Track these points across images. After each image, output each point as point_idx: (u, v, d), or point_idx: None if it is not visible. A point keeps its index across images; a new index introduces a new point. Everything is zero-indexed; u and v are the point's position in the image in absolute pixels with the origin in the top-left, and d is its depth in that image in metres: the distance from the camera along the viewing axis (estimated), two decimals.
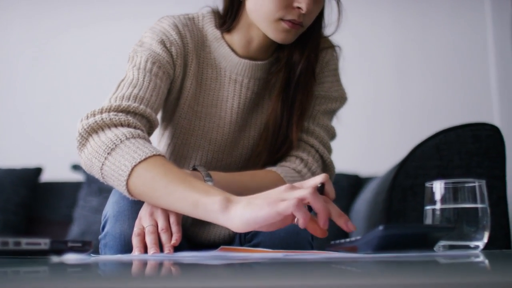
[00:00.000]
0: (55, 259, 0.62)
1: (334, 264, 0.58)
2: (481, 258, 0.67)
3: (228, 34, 1.04)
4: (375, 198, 1.38)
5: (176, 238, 0.80)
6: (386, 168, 1.48)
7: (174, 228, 0.81)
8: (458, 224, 0.78)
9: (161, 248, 0.80)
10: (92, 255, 0.75)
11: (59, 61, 2.41)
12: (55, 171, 2.15)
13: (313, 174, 1.01)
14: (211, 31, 1.04)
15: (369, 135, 2.28)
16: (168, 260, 0.68)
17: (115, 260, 0.71)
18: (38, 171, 2.14)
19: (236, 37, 1.03)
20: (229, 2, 1.01)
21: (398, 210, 1.18)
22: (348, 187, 1.94)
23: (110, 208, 0.88)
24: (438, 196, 0.81)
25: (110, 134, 0.83)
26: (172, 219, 0.82)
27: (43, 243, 0.64)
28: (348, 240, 0.71)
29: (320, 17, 1.03)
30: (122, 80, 0.95)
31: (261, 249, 0.83)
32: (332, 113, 1.10)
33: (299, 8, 0.93)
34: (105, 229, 0.87)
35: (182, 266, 0.58)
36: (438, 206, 0.80)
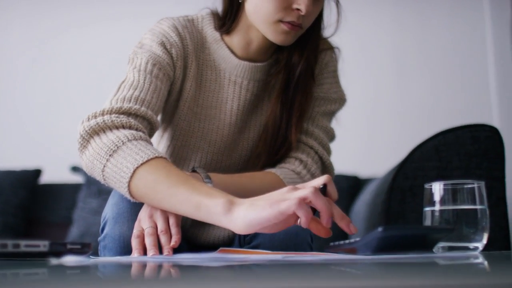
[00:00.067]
0: (54, 261, 0.61)
1: (333, 265, 0.58)
2: (480, 259, 0.67)
3: (227, 36, 1.04)
4: (374, 200, 1.38)
5: (175, 240, 0.80)
6: (385, 170, 1.48)
7: (174, 230, 0.81)
8: (457, 226, 0.78)
9: (160, 250, 0.80)
10: (91, 257, 0.75)
11: (58, 62, 2.41)
12: (55, 173, 2.15)
13: (312, 175, 1.01)
14: (211, 32, 1.04)
15: (368, 137, 2.28)
16: (167, 262, 0.68)
17: (114, 262, 0.71)
18: (37, 172, 2.13)
19: (236, 39, 1.03)
20: (229, 4, 1.01)
21: (397, 211, 1.18)
22: (347, 189, 1.94)
23: (109, 210, 0.88)
24: (437, 197, 0.81)
25: (112, 136, 0.83)
26: (172, 221, 0.82)
27: (42, 245, 0.64)
28: (347, 241, 0.71)
29: (319, 18, 1.04)
30: (123, 82, 0.95)
31: (260, 251, 0.83)
32: (331, 114, 1.10)
33: (298, 9, 0.93)
34: (105, 231, 0.87)
35: (181, 268, 0.58)
36: (437, 207, 0.81)
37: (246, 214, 0.71)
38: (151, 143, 0.86)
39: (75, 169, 2.07)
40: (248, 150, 1.08)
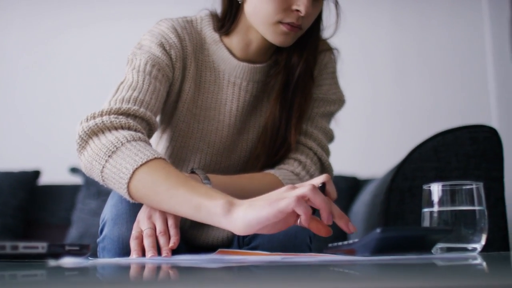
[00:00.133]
0: (52, 262, 0.61)
1: (331, 267, 0.58)
2: (479, 260, 0.67)
3: (226, 37, 1.04)
4: (373, 200, 1.38)
5: (174, 241, 0.80)
6: (384, 170, 1.49)
7: (172, 231, 0.81)
8: (456, 227, 0.78)
9: (159, 251, 0.79)
10: (90, 258, 0.75)
11: (58, 62, 2.41)
12: (53, 174, 2.15)
13: (311, 176, 1.01)
14: (210, 34, 1.04)
15: (367, 137, 2.28)
16: (165, 263, 0.68)
17: (113, 263, 0.71)
18: (36, 174, 2.13)
19: (235, 40, 1.03)
20: (228, 5, 1.01)
21: (396, 212, 1.18)
22: (346, 189, 1.94)
23: (108, 211, 0.88)
24: (435, 198, 0.81)
25: (111, 137, 0.83)
26: (170, 222, 0.82)
27: (41, 246, 0.64)
28: (346, 243, 0.71)
29: (318, 19, 1.04)
30: (122, 83, 0.95)
31: (259, 252, 0.83)
32: (330, 115, 1.10)
33: (297, 11, 0.93)
34: (103, 232, 0.87)
35: (180, 270, 0.58)
36: (435, 208, 0.81)
37: (245, 214, 0.71)
38: (150, 144, 0.86)
39: (74, 170, 2.06)
40: (247, 151, 1.08)
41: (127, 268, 0.63)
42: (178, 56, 1.00)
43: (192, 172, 0.91)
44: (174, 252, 0.80)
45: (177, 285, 0.43)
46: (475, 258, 0.70)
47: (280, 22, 0.94)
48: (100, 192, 1.91)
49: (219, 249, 0.84)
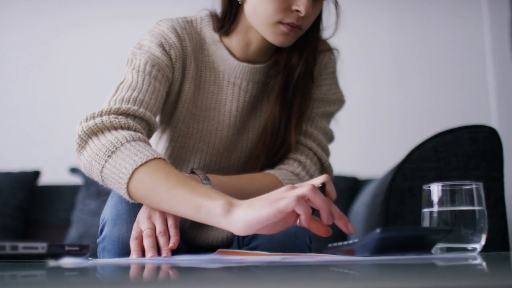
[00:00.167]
0: (52, 263, 0.61)
1: (331, 267, 0.58)
2: (479, 260, 0.67)
3: (226, 37, 1.04)
4: (373, 201, 1.38)
5: (174, 241, 0.80)
6: (384, 170, 1.49)
7: (172, 231, 0.81)
8: (456, 227, 0.78)
9: (159, 251, 0.79)
10: (90, 258, 0.75)
11: (58, 63, 2.41)
12: (53, 174, 2.15)
13: (311, 177, 1.01)
14: (210, 34, 1.04)
15: (367, 137, 2.28)
16: (165, 263, 0.68)
17: (113, 263, 0.71)
18: (36, 174, 2.13)
19: (235, 40, 1.03)
20: (228, 5, 1.01)
21: (396, 212, 1.18)
22: (346, 190, 1.94)
23: (108, 212, 0.88)
24: (435, 198, 0.81)
25: (111, 137, 0.83)
26: (170, 222, 0.82)
27: (40, 247, 0.64)
28: (345, 243, 0.71)
29: (318, 20, 1.04)
30: (121, 83, 0.95)
31: (258, 252, 0.83)
32: (330, 115, 1.10)
33: (297, 11, 0.93)
34: (103, 233, 0.87)
35: (180, 270, 0.58)
36: (435, 208, 0.81)
37: (245, 214, 0.71)
38: (149, 144, 0.86)
39: (74, 170, 2.06)
40: (247, 151, 1.08)
41: (127, 268, 0.63)
42: (178, 56, 1.00)
43: (192, 172, 0.91)
44: (174, 252, 0.80)
45: (177, 285, 0.43)
46: (475, 258, 0.70)
47: (280, 22, 0.94)
48: (100, 193, 1.91)
49: (219, 249, 0.84)
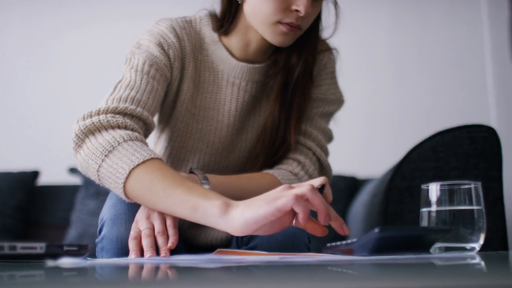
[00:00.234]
0: (50, 263, 0.61)
1: (330, 266, 0.58)
2: (477, 260, 0.67)
3: (225, 37, 1.04)
4: (372, 200, 1.38)
5: (172, 241, 0.80)
6: (383, 170, 1.49)
7: (171, 231, 0.81)
8: (454, 226, 0.78)
9: (157, 251, 0.79)
10: (89, 258, 0.75)
11: (57, 63, 2.40)
12: (52, 174, 2.15)
13: (310, 176, 1.01)
14: (209, 34, 1.04)
15: (366, 137, 2.28)
16: (164, 263, 0.68)
17: (111, 263, 0.71)
18: (35, 174, 2.13)
19: (234, 40, 1.03)
20: (227, 5, 1.01)
21: (394, 212, 1.18)
22: (345, 189, 1.94)
23: (107, 212, 0.88)
24: (434, 198, 0.81)
25: (108, 136, 0.83)
26: (169, 222, 0.82)
27: (39, 247, 0.64)
28: (344, 242, 0.71)
29: (317, 20, 1.04)
30: (119, 82, 0.95)
31: (257, 252, 0.83)
32: (329, 115, 1.10)
33: (297, 11, 0.93)
34: (102, 233, 0.87)
35: (178, 270, 0.58)
36: (434, 208, 0.81)
37: (242, 214, 0.71)
38: (146, 144, 0.86)
39: (73, 170, 2.06)
40: (246, 151, 1.08)
41: (125, 268, 0.63)
42: (177, 56, 1.00)
43: (191, 172, 0.91)
44: (173, 252, 0.80)
45: (175, 285, 0.43)
46: (473, 258, 0.70)
47: (279, 22, 0.94)
48: (99, 193, 1.91)
49: (218, 249, 0.84)
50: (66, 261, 0.63)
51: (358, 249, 0.68)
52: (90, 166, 0.82)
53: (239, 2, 0.99)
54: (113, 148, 0.81)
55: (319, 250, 0.80)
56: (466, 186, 0.80)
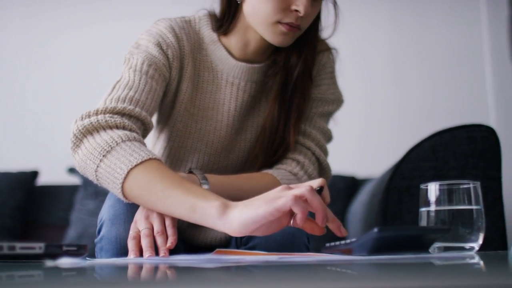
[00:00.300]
0: (49, 263, 0.61)
1: (329, 266, 0.58)
2: (476, 259, 0.67)
3: (225, 37, 1.04)
4: (371, 200, 1.38)
5: (171, 241, 0.80)
6: (382, 170, 1.49)
7: (170, 231, 0.81)
8: (453, 226, 0.78)
9: (156, 251, 0.79)
10: (88, 258, 0.75)
11: (57, 63, 2.40)
12: (52, 174, 2.15)
13: (310, 176, 1.01)
14: (208, 34, 1.04)
15: (365, 137, 2.28)
16: (163, 263, 0.68)
17: (110, 263, 0.71)
18: (34, 174, 2.13)
19: (233, 40, 1.03)
20: (226, 5, 1.01)
21: (394, 211, 1.18)
22: (344, 189, 1.94)
23: (106, 212, 0.88)
24: (432, 198, 0.81)
25: (106, 136, 0.83)
26: (168, 222, 0.82)
27: (38, 247, 0.64)
28: (343, 242, 0.71)
29: (317, 20, 1.04)
30: (118, 82, 0.95)
31: (256, 252, 0.83)
32: (328, 115, 1.10)
33: (296, 11, 0.93)
34: (101, 233, 0.87)
35: (178, 270, 0.58)
36: (433, 208, 0.81)
37: (241, 214, 0.72)
38: (145, 144, 0.86)
39: (72, 170, 2.06)
40: (245, 151, 1.08)
41: (124, 268, 0.63)
42: (175, 55, 1.00)
43: (190, 172, 0.91)
44: (172, 252, 0.80)
45: (175, 285, 0.43)
46: (472, 258, 0.70)
47: (279, 22, 0.94)
48: (98, 193, 1.91)
49: (217, 249, 0.84)
50: (65, 261, 0.63)
51: (357, 249, 0.68)
52: (88, 166, 0.82)
53: (239, 2, 0.99)
54: (111, 148, 0.81)
55: (318, 250, 0.80)
56: (465, 186, 0.80)
